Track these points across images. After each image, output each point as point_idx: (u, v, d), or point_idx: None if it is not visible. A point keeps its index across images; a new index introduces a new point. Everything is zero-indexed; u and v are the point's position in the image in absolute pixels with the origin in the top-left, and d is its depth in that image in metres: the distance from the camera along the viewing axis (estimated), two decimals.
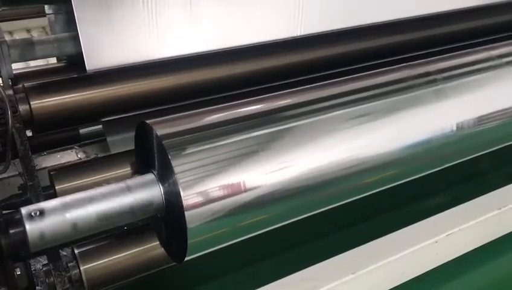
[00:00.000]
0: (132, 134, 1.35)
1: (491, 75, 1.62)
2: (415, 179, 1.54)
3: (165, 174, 1.17)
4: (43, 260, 1.45)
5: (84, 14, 1.44)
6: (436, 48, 2.02)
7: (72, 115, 1.44)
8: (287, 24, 1.76)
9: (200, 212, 1.13)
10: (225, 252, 1.29)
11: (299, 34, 1.79)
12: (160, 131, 1.18)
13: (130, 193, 1.18)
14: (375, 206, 1.93)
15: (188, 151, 1.16)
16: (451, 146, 1.50)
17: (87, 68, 1.48)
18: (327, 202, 1.38)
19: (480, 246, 1.79)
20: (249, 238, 1.29)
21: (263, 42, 1.73)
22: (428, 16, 2.05)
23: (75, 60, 1.54)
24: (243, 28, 1.69)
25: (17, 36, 3.77)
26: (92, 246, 1.44)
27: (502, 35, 2.18)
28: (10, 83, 1.36)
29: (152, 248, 1.47)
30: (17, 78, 1.62)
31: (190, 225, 1.12)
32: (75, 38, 1.50)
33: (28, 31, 4.19)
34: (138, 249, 1.46)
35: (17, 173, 1.64)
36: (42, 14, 1.88)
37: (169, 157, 1.12)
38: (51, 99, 1.40)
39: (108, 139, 1.56)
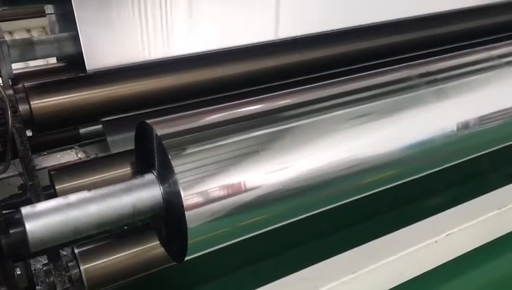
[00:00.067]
0: (132, 134, 1.35)
1: (492, 75, 1.62)
2: (415, 179, 1.53)
3: (165, 174, 1.17)
4: (43, 259, 1.45)
5: (84, 14, 1.44)
6: (436, 48, 2.02)
7: (72, 115, 1.44)
8: (287, 24, 1.76)
9: (200, 212, 1.13)
10: (225, 252, 1.29)
11: (299, 34, 1.79)
12: (160, 131, 1.18)
13: (130, 193, 1.18)
14: (375, 206, 1.92)
15: (188, 151, 1.16)
16: (452, 146, 1.50)
17: (87, 68, 1.48)
18: (327, 202, 1.38)
19: (480, 246, 1.79)
20: (249, 238, 1.29)
21: (263, 42, 1.73)
22: (428, 16, 2.05)
23: (75, 60, 1.54)
24: (243, 28, 1.69)
25: (17, 36, 3.77)
26: (92, 246, 1.44)
27: (502, 35, 2.18)
28: (10, 82, 1.36)
29: (152, 247, 1.46)
30: (17, 78, 1.61)
31: (190, 224, 1.12)
32: (75, 38, 1.50)
33: (28, 31, 4.19)
34: (138, 248, 1.46)
35: (17, 173, 1.64)
36: (42, 14, 1.88)
37: (170, 157, 1.12)
38: (51, 99, 1.40)
39: (109, 139, 1.56)
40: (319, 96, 1.42)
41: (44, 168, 1.87)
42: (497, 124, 1.58)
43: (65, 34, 1.59)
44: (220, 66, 1.64)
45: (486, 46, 1.78)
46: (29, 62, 1.82)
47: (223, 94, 1.64)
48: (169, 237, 1.31)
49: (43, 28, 3.96)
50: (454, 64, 1.64)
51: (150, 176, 1.23)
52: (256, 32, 1.72)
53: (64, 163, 1.97)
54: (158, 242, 1.42)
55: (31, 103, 1.36)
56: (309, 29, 1.80)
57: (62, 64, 1.88)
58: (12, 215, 1.11)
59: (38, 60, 1.68)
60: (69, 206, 1.11)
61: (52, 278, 1.34)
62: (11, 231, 1.09)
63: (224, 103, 1.38)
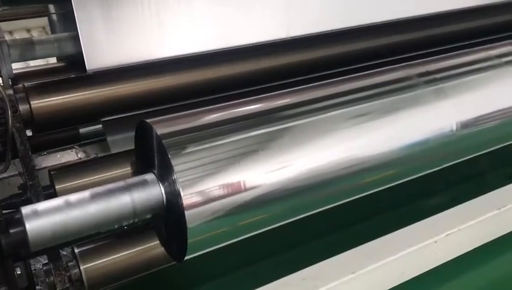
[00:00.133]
0: (132, 134, 1.35)
1: (491, 75, 1.63)
2: (415, 179, 1.54)
3: (165, 174, 1.17)
4: (43, 259, 1.45)
5: (84, 14, 1.44)
6: (436, 48, 2.02)
7: (72, 114, 1.44)
8: (286, 24, 1.76)
9: (200, 212, 1.14)
10: (225, 252, 1.29)
11: (298, 34, 1.79)
12: (160, 130, 1.18)
13: (130, 193, 1.18)
14: (375, 206, 1.93)
15: (187, 151, 1.16)
16: (451, 146, 1.50)
17: (87, 68, 1.48)
18: (327, 201, 1.39)
19: (480, 246, 1.79)
20: (248, 237, 1.29)
21: (263, 42, 1.74)
22: (428, 16, 2.05)
23: (75, 60, 1.54)
24: (242, 28, 1.69)
25: (17, 36, 3.77)
26: (92, 246, 1.45)
27: (502, 35, 2.18)
28: (10, 82, 1.36)
29: (152, 247, 1.47)
30: (17, 78, 1.61)
31: (190, 224, 1.12)
32: (75, 38, 1.50)
33: (28, 30, 4.19)
34: (138, 248, 1.46)
35: (17, 172, 1.64)
36: (42, 14, 1.88)
37: (169, 156, 1.13)
38: (51, 99, 1.40)
39: (109, 138, 1.56)
40: (319, 96, 1.42)
41: (44, 168, 1.87)
42: (496, 123, 1.58)
43: (65, 34, 1.59)
44: (220, 66, 1.64)
45: (485, 46, 1.78)
46: (29, 62, 1.82)
47: (223, 94, 1.64)
48: (169, 236, 1.31)
49: (43, 28, 3.96)
50: (454, 64, 1.64)
51: (150, 176, 1.23)
52: (256, 32, 1.72)
53: (64, 163, 1.97)
54: (158, 242, 1.42)
55: (31, 102, 1.36)
56: (309, 29, 1.80)
57: (62, 64, 1.88)
58: (12, 215, 1.12)
59: (38, 60, 1.68)
60: (69, 206, 1.11)
61: (52, 278, 1.34)
62: (11, 231, 1.10)
63: (223, 102, 1.38)
